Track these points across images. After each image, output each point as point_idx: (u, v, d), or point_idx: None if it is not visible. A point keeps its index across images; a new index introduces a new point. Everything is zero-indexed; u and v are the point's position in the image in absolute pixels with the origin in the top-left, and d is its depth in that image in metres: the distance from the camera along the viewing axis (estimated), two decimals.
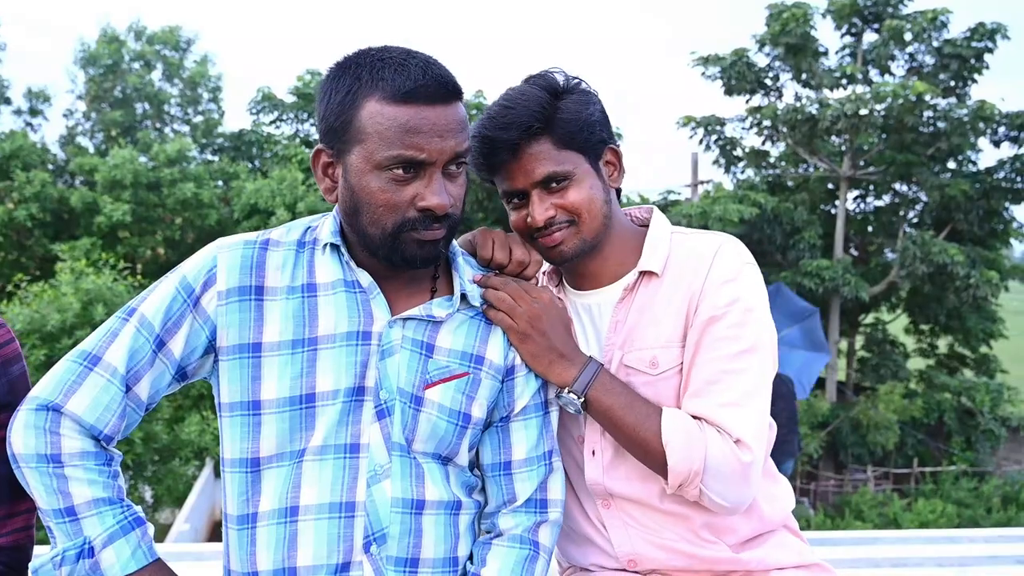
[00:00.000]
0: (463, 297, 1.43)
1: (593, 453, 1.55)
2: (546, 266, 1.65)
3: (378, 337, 1.36)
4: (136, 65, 24.85)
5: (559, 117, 1.49)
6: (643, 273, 1.55)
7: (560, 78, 1.53)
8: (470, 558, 1.45)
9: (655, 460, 1.44)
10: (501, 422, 1.45)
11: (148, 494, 14.06)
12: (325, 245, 1.39)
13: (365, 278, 1.37)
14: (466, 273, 1.46)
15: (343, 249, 1.38)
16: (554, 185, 1.50)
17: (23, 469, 1.31)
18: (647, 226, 1.63)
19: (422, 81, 1.26)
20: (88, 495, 1.31)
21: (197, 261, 1.38)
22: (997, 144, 20.49)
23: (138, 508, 1.37)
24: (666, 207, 20.61)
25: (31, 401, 1.32)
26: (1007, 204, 21.09)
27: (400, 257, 1.33)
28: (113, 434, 1.33)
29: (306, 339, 1.35)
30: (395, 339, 1.37)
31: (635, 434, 1.44)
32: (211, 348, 1.36)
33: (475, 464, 1.48)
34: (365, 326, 1.36)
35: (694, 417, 1.45)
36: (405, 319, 1.38)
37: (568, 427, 1.59)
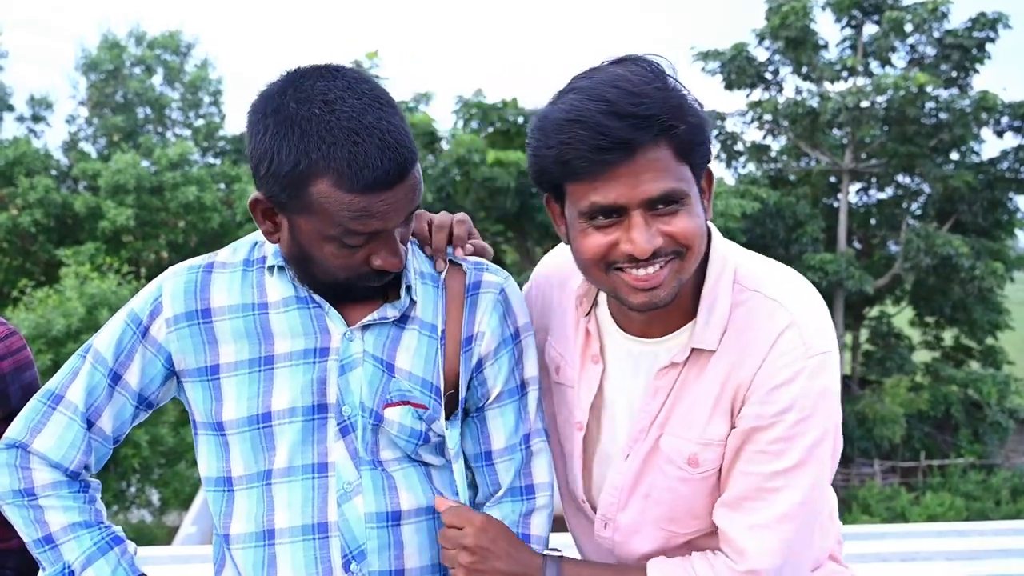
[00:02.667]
0: (415, 303, 1.35)
1: (605, 526, 1.41)
2: (577, 286, 1.39)
3: (336, 352, 1.32)
4: (137, 70, 24.89)
5: (685, 120, 1.15)
6: (695, 349, 1.28)
7: (668, 68, 1.19)
8: None
9: None
10: (477, 412, 1.40)
11: (155, 497, 14.09)
12: (271, 267, 1.34)
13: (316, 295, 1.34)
14: (412, 264, 1.36)
15: (288, 269, 1.33)
16: (662, 207, 1.16)
17: (2, 506, 1.35)
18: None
19: (380, 169, 1.16)
20: (63, 521, 1.32)
21: (144, 293, 1.37)
22: (1000, 134, 20.44)
23: (117, 528, 1.38)
24: None
25: (3, 441, 1.34)
26: (1011, 194, 21.04)
27: (351, 297, 1.32)
28: (79, 469, 1.35)
29: (262, 357, 1.32)
30: (355, 352, 1.32)
31: None
32: (171, 373, 1.36)
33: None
34: (322, 342, 1.32)
35: (725, 538, 1.27)
36: (363, 328, 1.32)
37: (566, 477, 1.45)
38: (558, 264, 1.49)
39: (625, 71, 1.16)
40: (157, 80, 25.19)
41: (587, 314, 1.39)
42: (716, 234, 1.31)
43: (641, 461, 1.34)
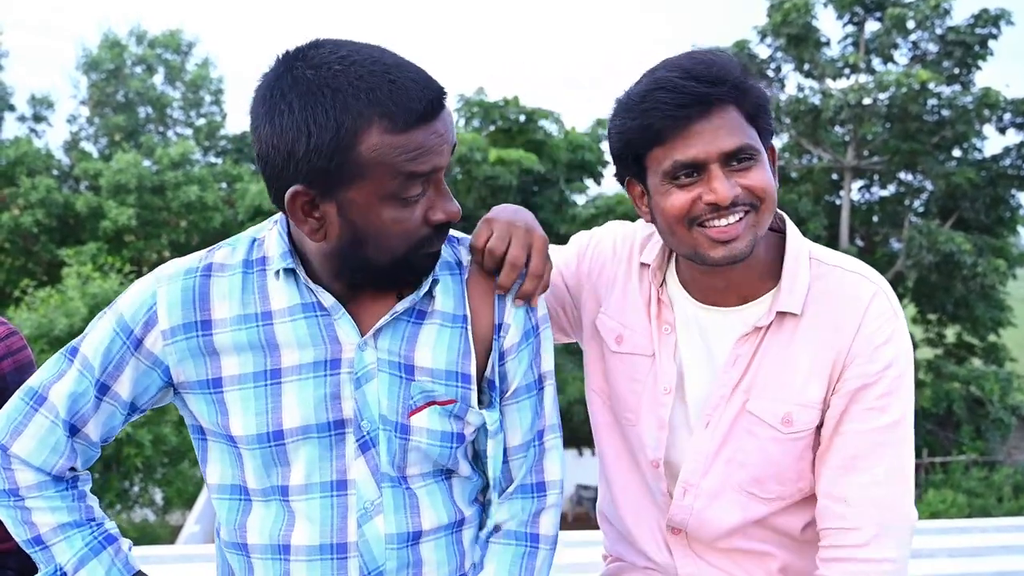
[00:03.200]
0: (433, 298, 1.29)
1: (684, 493, 1.42)
2: (652, 258, 1.46)
3: (349, 364, 1.23)
4: (138, 69, 24.90)
5: (750, 85, 1.30)
6: (780, 313, 1.35)
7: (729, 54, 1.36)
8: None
9: None
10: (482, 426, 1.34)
11: (159, 496, 14.10)
12: (277, 271, 1.25)
13: (327, 298, 1.24)
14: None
15: (299, 271, 1.24)
16: (736, 163, 1.29)
17: None
18: (779, 232, 1.42)
19: (424, 100, 1.12)
20: (52, 522, 1.27)
21: (135, 298, 1.26)
22: (1003, 131, 20.39)
23: (111, 525, 1.33)
24: None
25: None
26: (1013, 191, 21.00)
27: (409, 274, 1.24)
28: (62, 473, 1.29)
29: (268, 371, 1.23)
30: (369, 363, 1.24)
31: None
32: (167, 384, 1.28)
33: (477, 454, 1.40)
34: (332, 354, 1.23)
35: (836, 498, 1.32)
36: (376, 333, 1.24)
37: (632, 444, 1.47)
38: (621, 237, 1.55)
39: (693, 53, 1.34)
40: (158, 79, 25.19)
41: (660, 284, 1.46)
42: (790, 221, 1.43)
43: (727, 427, 1.38)
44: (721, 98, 1.28)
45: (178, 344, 1.25)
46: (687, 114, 1.27)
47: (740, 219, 1.30)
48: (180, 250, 21.12)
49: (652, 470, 1.45)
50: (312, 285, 1.24)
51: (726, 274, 1.37)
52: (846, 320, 1.33)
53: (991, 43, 19.93)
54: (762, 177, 1.30)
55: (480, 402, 1.32)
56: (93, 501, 1.34)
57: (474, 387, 1.29)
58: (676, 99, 1.26)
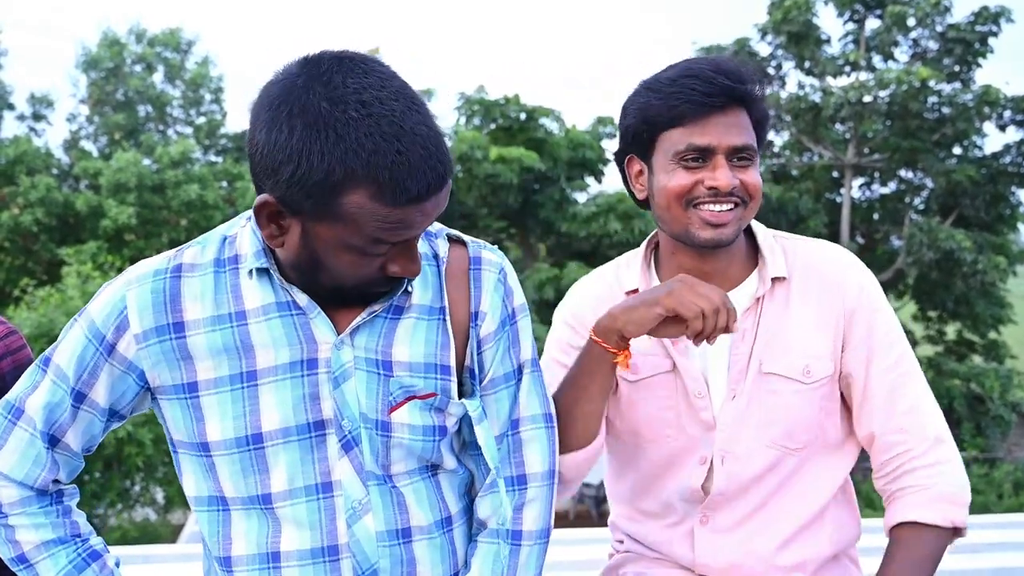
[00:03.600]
0: (410, 293, 1.27)
1: (723, 460, 1.49)
2: (636, 282, 1.55)
3: (326, 363, 1.21)
4: (137, 68, 24.89)
5: (762, 97, 1.47)
6: (774, 280, 1.51)
7: None
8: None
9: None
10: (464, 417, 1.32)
11: (160, 495, 14.11)
12: (251, 270, 1.22)
13: (302, 297, 1.21)
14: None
15: (273, 271, 1.22)
16: (737, 159, 1.44)
17: None
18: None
19: (423, 181, 1.08)
20: (35, 539, 1.25)
21: (104, 302, 1.23)
22: (1003, 128, 20.37)
23: (96, 541, 1.30)
24: None
25: None
26: (1014, 189, 20.98)
27: (358, 300, 1.22)
28: (45, 486, 1.27)
29: (244, 373, 1.21)
30: (346, 361, 1.22)
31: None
32: (144, 388, 1.26)
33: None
34: (309, 353, 1.21)
35: (892, 430, 1.47)
36: (353, 332, 1.22)
37: (670, 451, 1.52)
38: (593, 296, 1.59)
39: (715, 55, 1.53)
40: (158, 78, 25.18)
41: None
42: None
43: (749, 394, 1.49)
44: (741, 98, 1.43)
45: (151, 348, 1.22)
46: (711, 103, 1.40)
47: (731, 209, 1.44)
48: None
49: (698, 465, 1.51)
50: (287, 285, 1.22)
51: (712, 261, 1.50)
52: (836, 279, 1.51)
53: (991, 41, 19.91)
54: (756, 177, 1.46)
55: (461, 393, 1.31)
56: (79, 516, 1.31)
57: (454, 378, 1.28)
58: (706, 88, 1.40)
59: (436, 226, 1.34)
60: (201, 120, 25.81)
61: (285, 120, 1.08)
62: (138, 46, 24.88)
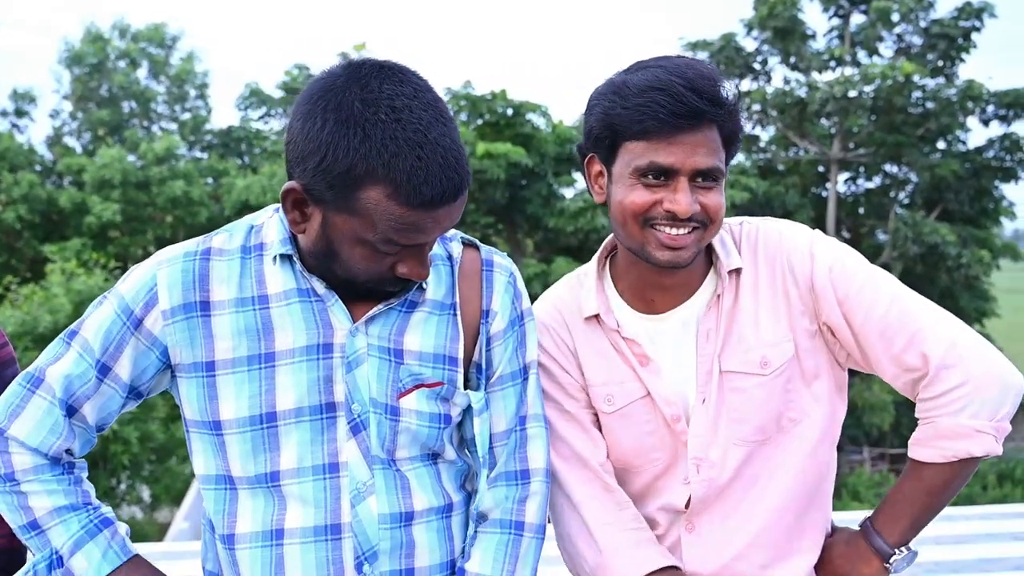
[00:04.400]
0: (424, 289, 1.34)
1: (698, 469, 1.44)
2: (595, 308, 1.49)
3: (340, 348, 1.28)
4: (122, 63, 24.71)
5: (735, 114, 1.38)
6: (731, 273, 1.45)
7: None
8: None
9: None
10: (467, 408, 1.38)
11: (146, 493, 14.05)
12: (275, 256, 1.30)
13: (321, 286, 1.29)
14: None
15: (295, 259, 1.29)
16: (701, 180, 1.36)
17: None
18: None
19: (438, 188, 1.15)
20: (48, 505, 1.28)
21: (136, 280, 1.30)
22: (986, 123, 20.53)
23: (107, 509, 1.33)
24: None
25: None
26: (997, 183, 21.16)
27: (370, 295, 1.29)
28: (59, 455, 1.30)
29: (262, 354, 1.27)
30: (360, 348, 1.28)
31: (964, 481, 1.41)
32: (165, 366, 1.31)
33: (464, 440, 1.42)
34: (325, 338, 1.28)
35: (910, 369, 1.38)
36: (368, 321, 1.29)
37: (643, 442, 1.47)
38: (560, 301, 1.54)
39: (691, 62, 1.38)
40: (142, 74, 25.03)
41: (616, 327, 1.48)
42: None
43: (716, 395, 1.44)
44: (712, 117, 1.34)
45: (177, 324, 1.28)
46: (679, 123, 1.32)
47: (690, 232, 1.37)
48: (165, 246, 20.98)
49: (681, 485, 1.47)
50: (307, 274, 1.29)
51: (672, 275, 1.45)
52: (776, 254, 1.46)
53: (974, 36, 20.05)
54: (719, 200, 1.38)
55: (467, 386, 1.37)
56: (89, 487, 1.34)
57: (461, 370, 1.34)
58: (674, 106, 1.31)
59: (451, 231, 1.41)
60: (186, 116, 25.66)
61: (320, 113, 1.16)
62: (122, 42, 24.69)
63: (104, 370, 1.29)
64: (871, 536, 1.42)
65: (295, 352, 1.28)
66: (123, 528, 1.34)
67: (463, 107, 19.57)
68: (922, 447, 1.40)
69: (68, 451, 1.31)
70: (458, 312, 1.35)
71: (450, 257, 1.38)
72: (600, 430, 1.51)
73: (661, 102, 1.31)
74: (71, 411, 1.29)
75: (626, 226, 1.39)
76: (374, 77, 1.16)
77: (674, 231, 1.36)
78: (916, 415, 1.42)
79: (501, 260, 1.42)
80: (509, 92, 19.64)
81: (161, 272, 1.29)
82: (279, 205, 1.31)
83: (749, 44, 21.10)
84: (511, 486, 1.38)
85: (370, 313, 1.29)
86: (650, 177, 1.35)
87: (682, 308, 1.47)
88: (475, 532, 1.38)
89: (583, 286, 1.53)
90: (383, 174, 1.14)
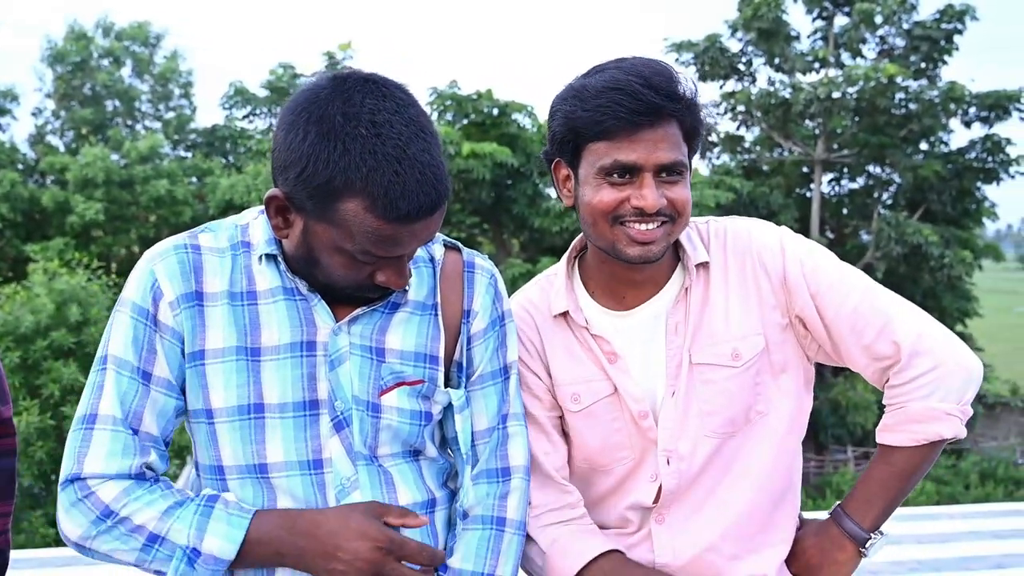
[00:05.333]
0: (406, 290, 1.36)
1: (668, 461, 1.46)
2: (564, 305, 1.51)
3: (324, 347, 1.31)
4: (105, 62, 24.53)
5: (695, 107, 1.40)
6: (698, 267, 1.48)
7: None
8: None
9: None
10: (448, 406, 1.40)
11: None
12: (261, 256, 1.32)
13: (304, 286, 1.32)
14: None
15: (280, 259, 1.32)
16: (666, 175, 1.38)
17: (93, 546, 1.25)
18: None
19: (415, 203, 1.17)
20: (155, 513, 1.25)
21: (137, 280, 1.32)
22: (968, 124, 20.71)
23: (206, 490, 1.31)
24: None
25: (60, 485, 1.27)
26: (978, 184, 21.34)
27: (349, 301, 1.31)
28: (141, 471, 1.27)
29: (248, 348, 1.30)
30: (342, 346, 1.31)
31: (925, 470, 1.45)
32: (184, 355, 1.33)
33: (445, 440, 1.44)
34: (308, 336, 1.31)
35: (881, 358, 1.42)
36: (350, 320, 1.32)
37: (608, 429, 1.48)
38: (528, 302, 1.57)
39: (648, 61, 1.41)
40: (126, 72, 24.85)
41: (584, 324, 1.50)
42: None
43: (685, 387, 1.46)
44: (671, 113, 1.37)
45: (184, 312, 1.30)
46: (639, 121, 1.35)
47: (659, 226, 1.40)
48: (149, 245, 20.68)
49: (649, 483, 1.48)
50: (291, 275, 1.32)
51: (642, 270, 1.47)
52: (749, 250, 1.48)
53: (956, 38, 20.22)
54: (685, 193, 1.41)
55: (448, 384, 1.40)
56: (183, 490, 1.32)
57: (441, 368, 1.37)
58: (634, 104, 1.34)
59: None
60: (170, 115, 25.51)
61: (303, 125, 1.19)
62: (105, 40, 24.52)
63: (146, 376, 1.28)
64: (844, 522, 1.44)
65: (280, 349, 1.30)
66: (231, 496, 1.31)
67: (448, 107, 19.55)
68: (893, 432, 1.44)
69: (149, 467, 1.29)
70: (439, 312, 1.38)
71: (432, 259, 1.41)
72: (566, 433, 1.53)
73: (620, 101, 1.34)
74: (134, 429, 1.27)
75: (596, 225, 1.42)
76: (357, 91, 1.19)
77: (643, 226, 1.39)
78: (884, 402, 1.46)
79: (482, 262, 1.45)
80: (495, 92, 19.63)
81: (157, 266, 1.31)
82: (261, 208, 1.33)
83: (734, 45, 21.21)
84: (492, 483, 1.41)
85: (353, 313, 1.32)
86: (615, 176, 1.38)
87: (650, 303, 1.49)
88: (457, 530, 1.40)
89: (553, 285, 1.56)
90: (361, 187, 1.16)
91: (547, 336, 1.54)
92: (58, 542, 12.17)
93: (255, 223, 1.36)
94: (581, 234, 1.54)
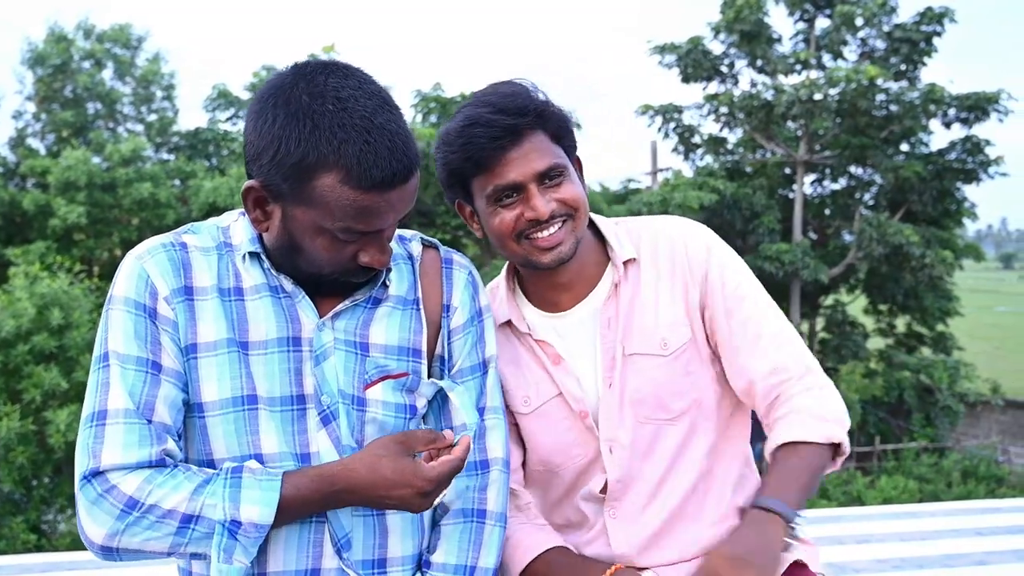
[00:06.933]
0: (387, 286, 1.39)
1: (611, 450, 1.53)
2: (505, 314, 1.60)
3: (309, 343, 1.32)
4: (86, 64, 24.31)
5: (551, 111, 1.49)
6: (626, 263, 1.56)
7: (529, 84, 1.54)
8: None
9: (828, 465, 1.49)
10: (436, 396, 1.43)
11: None
12: (244, 254, 1.34)
13: (288, 283, 1.34)
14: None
15: (263, 257, 1.34)
16: (548, 180, 1.47)
17: (122, 543, 1.21)
18: (592, 227, 1.65)
19: (388, 169, 1.20)
20: (184, 494, 1.22)
21: (127, 277, 1.31)
22: (948, 126, 20.88)
23: (227, 464, 1.28)
24: (627, 195, 20.72)
25: (77, 485, 1.25)
26: (959, 184, 21.52)
27: (336, 288, 1.33)
28: (161, 459, 1.24)
29: (238, 342, 1.31)
30: (327, 341, 1.33)
31: (820, 472, 1.48)
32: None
33: None
34: (294, 332, 1.32)
35: (767, 373, 1.49)
36: (334, 316, 1.34)
37: (553, 423, 1.56)
38: None
39: (498, 86, 1.51)
40: (107, 74, 24.64)
41: (527, 330, 1.58)
42: (592, 214, 1.65)
43: (620, 380, 1.53)
44: (528, 126, 1.46)
45: (179, 306, 1.31)
46: (500, 145, 1.44)
47: (560, 227, 1.48)
48: (131, 248, 20.61)
49: (600, 474, 1.55)
50: (275, 272, 1.34)
51: (564, 272, 1.55)
52: (677, 247, 1.57)
53: (935, 40, 20.39)
54: (573, 190, 1.49)
55: (431, 377, 1.43)
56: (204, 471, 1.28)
57: (425, 361, 1.39)
58: (489, 132, 1.43)
59: (410, 232, 1.49)
60: (152, 117, 25.31)
61: (270, 110, 1.22)
62: (86, 42, 24.30)
63: (156, 367, 1.27)
64: (767, 501, 1.40)
65: (268, 344, 1.32)
66: (252, 463, 1.29)
67: (433, 109, 19.51)
68: (800, 428, 1.45)
69: (168, 454, 1.26)
70: (421, 307, 1.40)
71: (410, 256, 1.44)
72: (520, 441, 1.60)
73: (478, 135, 1.44)
74: (148, 419, 1.25)
75: (505, 246, 1.51)
76: (319, 73, 1.23)
77: (544, 232, 1.48)
78: (772, 415, 1.50)
79: (460, 259, 1.48)
80: None
81: (147, 263, 1.32)
82: (243, 209, 1.35)
83: (716, 47, 21.29)
84: (471, 476, 1.42)
85: (336, 309, 1.34)
86: (503, 198, 1.47)
87: (584, 302, 1.57)
88: (438, 527, 1.42)
89: (496, 297, 1.63)
90: (334, 160, 1.18)
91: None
92: (39, 548, 12.05)
93: (235, 224, 1.38)
94: None
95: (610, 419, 1.53)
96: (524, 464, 1.63)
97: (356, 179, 1.19)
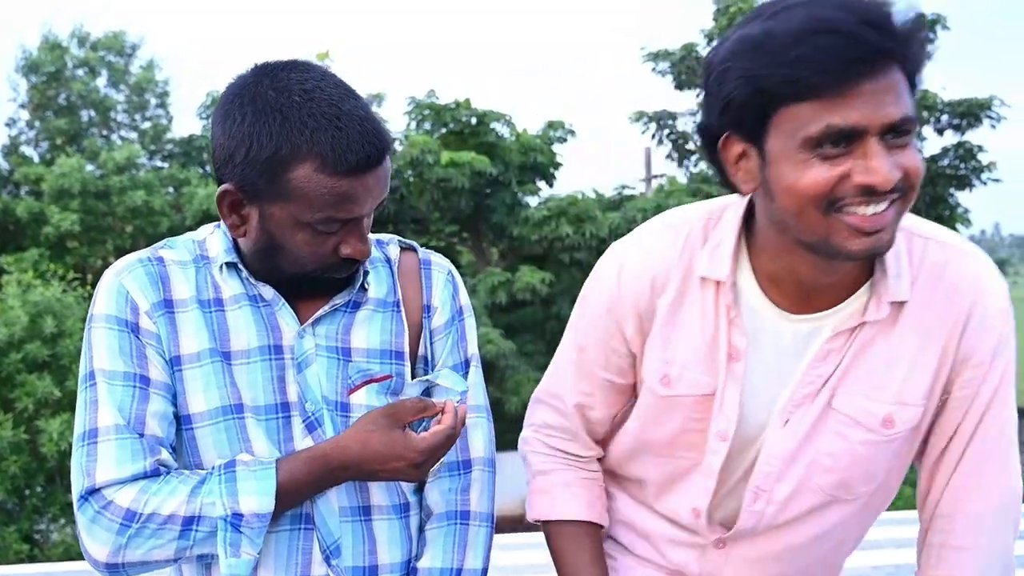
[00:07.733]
0: (366, 289, 1.38)
1: (756, 499, 1.26)
2: (721, 271, 1.22)
3: (290, 350, 1.33)
4: (80, 72, 24.32)
5: (926, 44, 1.09)
6: (893, 304, 1.17)
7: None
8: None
9: None
10: (424, 393, 1.42)
11: None
12: (221, 265, 1.34)
13: (268, 291, 1.34)
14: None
15: (241, 266, 1.34)
16: (894, 137, 1.06)
17: (125, 557, 1.21)
18: None
19: (362, 153, 1.21)
20: (181, 497, 1.22)
21: (107, 294, 1.31)
22: (940, 132, 20.99)
23: (219, 462, 1.29)
24: (621, 202, 20.77)
25: (75, 506, 1.24)
26: (952, 190, 21.62)
27: (318, 287, 1.33)
28: (155, 469, 1.24)
29: (221, 352, 1.31)
30: (308, 348, 1.33)
31: None
32: None
33: None
34: (275, 340, 1.33)
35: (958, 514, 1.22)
36: (314, 322, 1.34)
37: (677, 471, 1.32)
38: (645, 269, 1.29)
39: None
40: (101, 82, 24.64)
41: (731, 302, 1.22)
42: None
43: (808, 426, 1.21)
44: (892, 55, 1.04)
45: (160, 319, 1.31)
46: (858, 70, 1.02)
47: (889, 206, 1.07)
48: (124, 255, 20.61)
49: (692, 517, 1.32)
50: (253, 281, 1.34)
51: (839, 271, 1.16)
52: (952, 304, 1.18)
53: (928, 47, 20.50)
54: (917, 160, 1.08)
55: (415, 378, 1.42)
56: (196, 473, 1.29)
57: (408, 364, 1.39)
58: (849, 49, 1.01)
59: (387, 236, 1.48)
60: (146, 125, 25.31)
61: (237, 109, 1.23)
62: (80, 50, 24.31)
63: (145, 380, 1.27)
64: None
65: (250, 353, 1.32)
66: (243, 456, 1.29)
67: (427, 116, 19.55)
68: None
69: (162, 464, 1.26)
70: (402, 308, 1.41)
71: (388, 259, 1.44)
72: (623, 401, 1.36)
73: (830, 47, 1.01)
74: (139, 433, 1.25)
75: (803, 215, 1.08)
76: (281, 70, 1.25)
77: (871, 209, 1.06)
78: (927, 543, 1.29)
79: (438, 259, 1.48)
80: (473, 101, 19.66)
81: (125, 279, 1.32)
82: (218, 222, 1.37)
83: None
84: (453, 476, 1.42)
85: (316, 315, 1.34)
86: (828, 146, 1.05)
87: (815, 317, 1.21)
88: (423, 533, 1.42)
89: (714, 246, 1.24)
90: (308, 149, 1.20)
91: (669, 299, 1.26)
92: (32, 558, 11.99)
93: (211, 237, 1.39)
94: (742, 201, 1.22)
95: (771, 466, 1.23)
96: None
97: (332, 165, 1.20)
